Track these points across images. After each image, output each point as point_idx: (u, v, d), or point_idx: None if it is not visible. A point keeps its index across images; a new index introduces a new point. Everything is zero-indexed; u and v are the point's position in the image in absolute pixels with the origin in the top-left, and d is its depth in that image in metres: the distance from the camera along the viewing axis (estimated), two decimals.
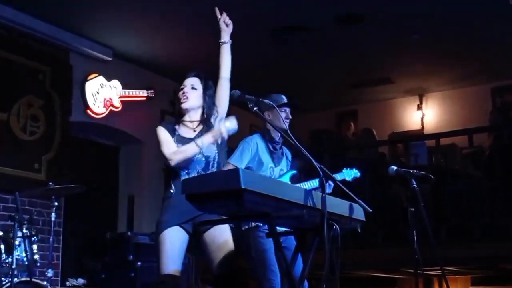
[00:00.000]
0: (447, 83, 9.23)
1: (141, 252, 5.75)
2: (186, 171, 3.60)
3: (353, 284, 7.47)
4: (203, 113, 3.74)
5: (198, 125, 3.71)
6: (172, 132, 3.66)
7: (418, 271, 4.39)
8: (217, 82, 3.79)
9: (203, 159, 3.62)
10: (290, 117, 4.40)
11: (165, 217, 3.54)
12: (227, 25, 3.83)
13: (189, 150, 3.57)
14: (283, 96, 4.52)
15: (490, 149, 7.07)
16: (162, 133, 3.66)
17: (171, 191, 3.60)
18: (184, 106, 3.70)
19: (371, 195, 6.39)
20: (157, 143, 3.66)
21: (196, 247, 3.61)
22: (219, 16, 3.84)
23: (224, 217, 3.09)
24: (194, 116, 3.73)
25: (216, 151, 3.68)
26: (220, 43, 3.83)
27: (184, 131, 3.69)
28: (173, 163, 3.55)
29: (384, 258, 6.75)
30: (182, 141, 3.62)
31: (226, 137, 3.63)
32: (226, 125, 3.59)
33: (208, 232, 3.57)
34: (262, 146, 4.42)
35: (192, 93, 3.71)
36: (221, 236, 3.55)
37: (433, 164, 7.33)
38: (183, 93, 3.71)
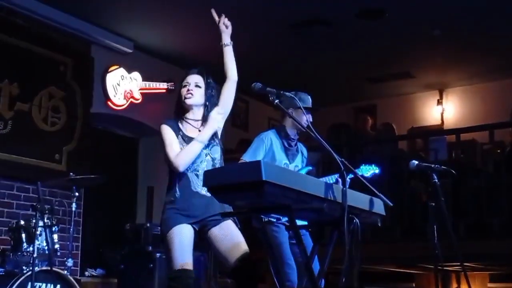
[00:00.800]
0: (468, 78, 9.15)
1: (159, 243, 5.76)
2: (195, 173, 3.58)
3: (370, 279, 7.45)
4: (205, 112, 3.71)
5: (201, 124, 3.68)
6: (177, 130, 3.63)
7: (438, 267, 4.37)
8: (224, 83, 3.78)
9: (210, 160, 3.61)
10: (311, 120, 4.32)
11: (175, 214, 3.52)
12: (226, 27, 3.81)
13: (194, 149, 3.54)
14: (309, 98, 4.51)
15: (511, 145, 6.99)
16: (167, 132, 3.62)
17: (176, 195, 3.56)
18: (188, 102, 3.66)
19: (390, 190, 6.35)
20: (160, 141, 3.63)
21: (203, 245, 3.59)
22: (217, 19, 3.82)
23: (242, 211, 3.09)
24: (197, 114, 3.71)
25: (220, 153, 3.69)
26: (223, 46, 3.80)
27: (189, 129, 3.66)
28: (181, 168, 3.53)
29: (402, 253, 6.71)
30: (188, 140, 3.59)
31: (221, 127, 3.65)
32: (219, 111, 3.60)
33: (214, 231, 3.55)
34: (277, 143, 4.42)
35: (196, 90, 3.68)
36: (233, 237, 3.53)
37: (452, 159, 7.27)
38: (188, 90, 3.67)
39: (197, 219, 3.49)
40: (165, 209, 3.59)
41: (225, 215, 3.24)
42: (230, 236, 3.52)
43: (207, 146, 3.62)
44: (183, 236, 3.47)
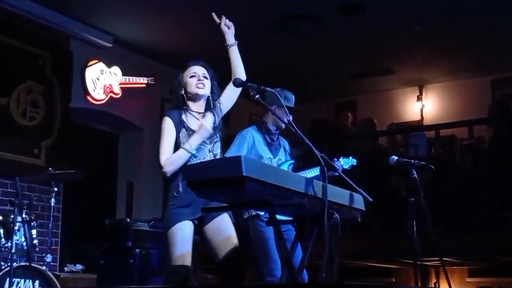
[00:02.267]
0: (447, 74, 9.22)
1: (140, 238, 5.74)
2: None
3: (350, 274, 7.48)
4: (207, 104, 3.70)
5: (203, 117, 3.66)
6: (179, 123, 3.59)
7: (417, 262, 4.40)
8: (229, 81, 3.74)
9: (212, 156, 3.61)
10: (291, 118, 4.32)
11: (179, 210, 3.49)
12: (228, 28, 3.79)
13: (181, 158, 3.52)
14: (293, 97, 4.53)
15: (489, 141, 7.06)
16: (167, 128, 3.58)
17: (179, 189, 3.52)
18: (201, 92, 3.64)
19: (370, 186, 6.39)
20: (158, 134, 3.60)
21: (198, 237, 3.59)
22: (217, 21, 3.80)
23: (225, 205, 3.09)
24: (201, 106, 3.69)
25: (221, 149, 3.69)
26: (227, 47, 3.79)
27: (192, 122, 3.63)
28: (168, 174, 3.52)
29: (382, 248, 6.76)
30: (191, 134, 3.56)
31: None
32: (208, 121, 3.60)
33: (210, 226, 3.55)
34: (259, 138, 4.44)
35: (205, 81, 3.67)
36: (225, 231, 3.53)
37: (432, 155, 7.33)
38: (199, 80, 3.65)
39: (199, 215, 3.49)
40: (168, 206, 3.56)
41: (206, 211, 3.24)
42: (222, 230, 3.53)
43: (209, 142, 3.61)
44: (184, 233, 3.47)
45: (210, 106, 3.70)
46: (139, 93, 8.14)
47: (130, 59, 8.10)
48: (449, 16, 7.17)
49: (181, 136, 3.57)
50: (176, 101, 3.70)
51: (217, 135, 3.68)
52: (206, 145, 3.61)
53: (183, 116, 3.63)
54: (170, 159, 3.52)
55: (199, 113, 3.68)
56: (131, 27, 7.57)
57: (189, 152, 3.52)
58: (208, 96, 3.69)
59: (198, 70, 3.70)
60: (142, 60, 8.27)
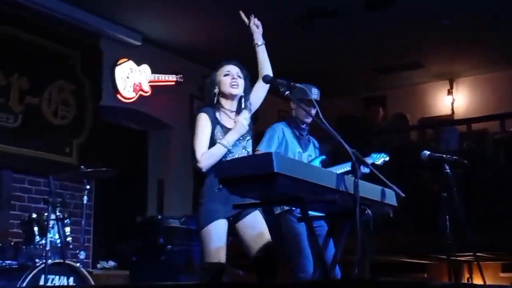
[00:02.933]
0: (478, 67, 9.09)
1: (171, 235, 5.78)
2: None
3: (381, 269, 7.44)
4: (239, 103, 3.72)
5: (236, 115, 3.68)
6: (214, 121, 3.61)
7: (451, 257, 4.36)
8: (256, 80, 3.76)
9: (246, 153, 3.63)
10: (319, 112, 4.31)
11: (215, 207, 3.50)
12: (257, 27, 3.80)
13: (218, 153, 3.54)
14: (318, 92, 4.51)
15: None
16: (202, 124, 3.59)
17: (220, 185, 3.46)
18: (235, 92, 3.66)
19: (401, 182, 6.33)
20: (193, 130, 3.60)
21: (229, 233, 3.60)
22: (246, 20, 3.81)
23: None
24: (234, 105, 3.71)
25: (252, 147, 3.71)
26: (256, 46, 3.79)
27: (225, 120, 3.65)
28: (204, 169, 3.53)
29: (413, 244, 6.71)
30: (226, 131, 3.58)
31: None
32: (245, 117, 3.61)
33: (243, 223, 3.57)
34: (289, 133, 4.45)
35: (239, 81, 3.68)
36: (257, 228, 3.55)
37: (464, 150, 7.24)
38: (233, 79, 3.66)
39: (234, 213, 3.50)
40: (204, 202, 3.56)
41: (237, 207, 3.24)
42: (254, 227, 3.56)
43: (243, 139, 3.64)
44: (219, 231, 3.49)
45: (241, 105, 3.72)
46: (168, 90, 8.18)
47: (159, 57, 8.15)
48: (478, 8, 7.07)
49: (216, 133, 3.59)
50: (209, 99, 3.72)
51: (249, 132, 3.69)
52: (241, 142, 3.63)
53: (217, 114, 3.64)
54: (206, 153, 3.54)
55: (231, 111, 3.69)
56: (160, 25, 7.61)
57: (226, 147, 3.54)
58: (241, 96, 3.71)
59: (232, 69, 3.71)
60: (171, 58, 8.31)
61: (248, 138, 3.68)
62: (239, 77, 3.70)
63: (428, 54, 8.58)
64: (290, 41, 7.82)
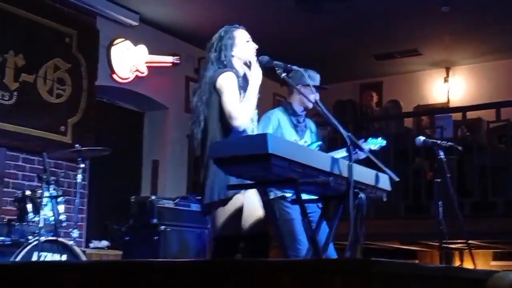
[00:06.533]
0: (475, 56, 9.09)
1: (164, 216, 5.78)
2: None
3: (372, 255, 7.47)
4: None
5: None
6: (238, 81, 3.50)
7: (443, 244, 4.38)
8: None
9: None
10: (318, 98, 4.26)
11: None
12: None
13: (251, 105, 3.47)
14: (318, 76, 4.44)
15: None
16: (234, 84, 3.44)
17: None
18: (255, 60, 3.55)
19: (395, 168, 6.34)
20: (221, 90, 3.41)
21: None
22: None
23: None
24: (244, 72, 3.62)
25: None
26: None
27: (253, 85, 3.51)
28: (243, 125, 3.39)
29: (406, 230, 6.72)
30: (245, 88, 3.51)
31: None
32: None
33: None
34: (285, 120, 4.35)
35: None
36: (254, 208, 3.50)
37: (458, 137, 7.24)
38: (255, 47, 3.60)
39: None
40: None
41: (232, 188, 3.23)
42: (248, 210, 3.50)
43: (251, 122, 3.56)
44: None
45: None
46: (165, 71, 8.16)
47: (156, 38, 8.11)
48: None
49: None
50: (222, 62, 3.56)
51: (256, 116, 3.65)
52: (251, 123, 3.56)
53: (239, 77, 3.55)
54: (242, 108, 3.41)
55: (242, 77, 3.60)
56: (157, 5, 7.57)
57: (255, 95, 3.46)
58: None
59: (249, 36, 3.65)
60: (168, 39, 8.28)
61: (255, 120, 3.61)
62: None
63: (426, 41, 8.57)
64: (290, 27, 7.80)
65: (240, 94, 3.46)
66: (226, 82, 3.43)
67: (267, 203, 3.31)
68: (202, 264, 2.24)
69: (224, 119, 3.41)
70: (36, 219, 4.74)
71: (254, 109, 3.57)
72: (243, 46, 3.60)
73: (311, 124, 4.57)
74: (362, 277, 1.78)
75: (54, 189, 4.85)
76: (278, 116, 4.35)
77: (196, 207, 5.82)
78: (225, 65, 3.54)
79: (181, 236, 5.83)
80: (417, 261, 8.11)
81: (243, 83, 3.56)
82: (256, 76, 3.54)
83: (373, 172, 3.33)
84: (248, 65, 3.60)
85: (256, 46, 3.61)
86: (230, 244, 3.41)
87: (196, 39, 8.05)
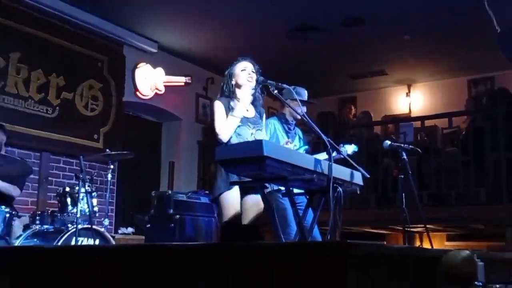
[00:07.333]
0: (432, 75, 9.10)
1: (179, 207, 5.76)
2: None
3: (349, 238, 7.45)
4: (253, 95, 3.64)
5: (249, 105, 3.61)
6: (228, 108, 3.51)
7: (406, 228, 4.37)
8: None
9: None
10: (305, 111, 4.26)
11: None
12: None
13: (232, 123, 3.46)
14: (305, 92, 4.48)
15: (466, 130, 6.98)
16: (219, 108, 3.49)
17: None
18: (250, 84, 3.57)
19: (367, 167, 6.34)
20: (211, 115, 3.52)
21: None
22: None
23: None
24: (247, 95, 3.61)
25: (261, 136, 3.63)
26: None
27: (239, 108, 3.53)
28: (223, 138, 3.42)
29: (376, 217, 6.73)
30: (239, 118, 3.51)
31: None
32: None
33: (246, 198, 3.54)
34: (279, 127, 4.43)
35: (253, 75, 3.60)
36: (255, 202, 3.50)
37: (418, 141, 7.26)
38: (249, 74, 3.58)
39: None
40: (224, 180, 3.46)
41: (233, 184, 3.23)
42: (249, 202, 3.54)
43: (253, 127, 3.55)
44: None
45: (254, 97, 3.64)
46: (179, 89, 8.15)
47: (172, 62, 8.10)
48: (433, 28, 7.07)
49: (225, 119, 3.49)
50: (226, 89, 3.61)
51: (261, 123, 3.62)
52: (250, 128, 3.55)
53: (232, 103, 3.54)
54: (223, 126, 3.45)
55: (245, 101, 3.60)
56: (173, 36, 7.56)
57: (236, 116, 3.46)
58: (253, 88, 3.61)
59: (248, 65, 3.62)
60: (181, 63, 8.26)
61: (258, 129, 3.59)
62: (253, 71, 3.61)
63: (391, 63, 8.58)
64: (280, 51, 7.78)
65: (229, 115, 3.49)
66: (213, 109, 3.54)
67: (264, 195, 3.31)
68: (210, 247, 2.23)
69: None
70: (74, 210, 4.73)
71: (262, 119, 3.63)
72: (238, 74, 3.61)
73: (299, 131, 4.63)
74: (341, 257, 1.77)
75: (88, 186, 4.84)
76: (274, 123, 4.43)
77: (205, 199, 5.82)
78: (226, 94, 3.59)
79: (193, 224, 5.81)
80: (385, 243, 8.11)
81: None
82: (244, 96, 3.59)
83: (348, 170, 3.33)
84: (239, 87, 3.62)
85: (250, 73, 3.59)
86: (233, 229, 3.40)
87: (205, 62, 8.08)
